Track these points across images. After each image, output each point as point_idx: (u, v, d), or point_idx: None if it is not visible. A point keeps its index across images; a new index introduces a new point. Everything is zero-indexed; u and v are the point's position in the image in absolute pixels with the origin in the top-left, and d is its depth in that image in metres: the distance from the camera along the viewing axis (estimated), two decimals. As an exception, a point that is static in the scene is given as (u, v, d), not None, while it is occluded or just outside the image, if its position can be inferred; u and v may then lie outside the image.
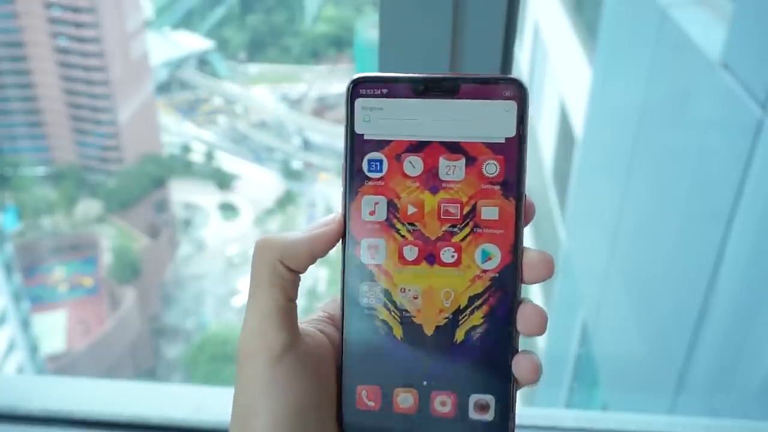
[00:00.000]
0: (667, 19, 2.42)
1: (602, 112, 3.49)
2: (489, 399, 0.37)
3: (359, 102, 0.37)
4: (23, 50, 14.73)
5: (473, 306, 0.37)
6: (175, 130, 17.10)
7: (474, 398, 0.37)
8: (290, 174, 16.83)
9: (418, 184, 0.37)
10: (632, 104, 2.80)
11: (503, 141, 0.36)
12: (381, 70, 0.73)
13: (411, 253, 0.37)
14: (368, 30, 14.34)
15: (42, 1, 14.51)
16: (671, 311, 2.26)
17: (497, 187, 0.36)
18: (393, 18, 0.69)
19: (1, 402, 0.97)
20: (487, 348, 0.37)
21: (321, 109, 17.47)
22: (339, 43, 17.74)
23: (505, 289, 0.36)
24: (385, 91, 0.37)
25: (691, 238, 2.09)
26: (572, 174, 4.26)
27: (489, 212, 0.36)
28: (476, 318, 0.37)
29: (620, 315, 2.84)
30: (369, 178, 0.37)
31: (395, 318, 0.37)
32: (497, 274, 0.36)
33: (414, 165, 0.37)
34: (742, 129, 1.73)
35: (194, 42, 17.61)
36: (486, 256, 0.37)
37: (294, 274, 0.35)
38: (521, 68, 7.14)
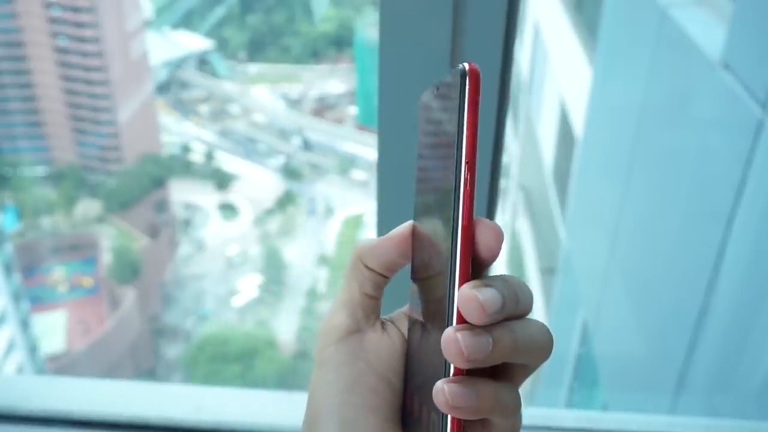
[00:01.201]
0: (667, 19, 2.42)
1: (602, 112, 3.49)
2: (437, 423, 0.32)
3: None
4: (23, 50, 14.73)
5: (438, 313, 0.33)
6: (175, 130, 17.10)
7: (433, 417, 0.33)
8: (290, 174, 16.83)
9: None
10: (632, 104, 2.80)
11: (453, 132, 0.32)
12: (381, 70, 0.73)
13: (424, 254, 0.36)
14: (368, 30, 14.35)
15: (42, 1, 14.51)
16: (671, 311, 2.25)
17: (449, 179, 0.32)
18: (393, 18, 0.69)
19: (1, 402, 0.97)
20: (437, 363, 0.32)
21: (321, 108, 17.47)
22: (339, 43, 17.74)
23: (441, 304, 0.32)
24: None
25: (691, 238, 2.09)
26: (572, 174, 4.26)
27: (442, 203, 0.33)
28: (437, 325, 0.33)
29: (620, 315, 2.84)
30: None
31: (419, 321, 0.37)
32: (440, 285, 0.32)
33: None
34: (742, 129, 1.73)
35: (194, 42, 17.61)
36: (441, 259, 0.33)
37: (372, 272, 0.38)
38: (521, 68, 7.14)
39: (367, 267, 0.38)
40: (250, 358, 13.17)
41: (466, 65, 0.32)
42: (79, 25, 14.57)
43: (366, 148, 16.48)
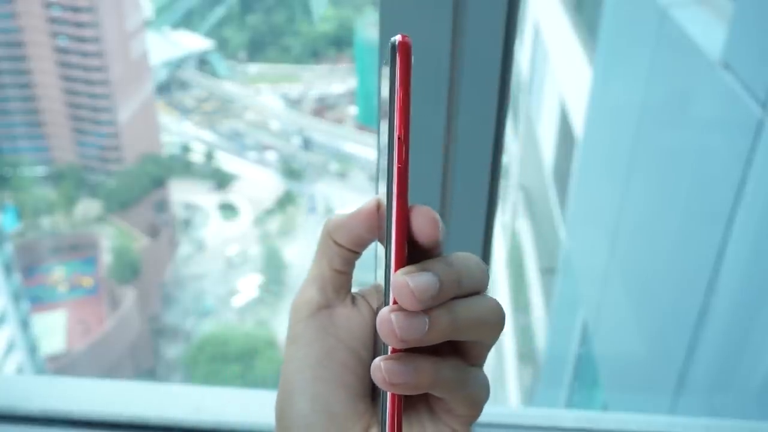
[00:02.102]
0: (667, 19, 2.42)
1: (602, 112, 3.49)
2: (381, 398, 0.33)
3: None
4: (23, 50, 14.73)
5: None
6: (175, 130, 17.10)
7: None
8: (290, 174, 16.84)
9: None
10: (632, 104, 2.80)
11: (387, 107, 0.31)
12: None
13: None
14: (368, 30, 14.35)
15: (42, 1, 14.51)
16: (671, 311, 2.26)
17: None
18: (393, 18, 0.69)
19: (1, 402, 0.97)
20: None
21: (321, 108, 17.47)
22: (339, 43, 17.75)
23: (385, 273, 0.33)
24: None
25: (691, 238, 2.09)
26: (572, 174, 4.26)
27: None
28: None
29: (620, 315, 2.84)
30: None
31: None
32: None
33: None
34: (742, 129, 1.73)
35: (194, 42, 17.61)
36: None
37: (341, 248, 0.38)
38: (521, 68, 7.14)
39: (336, 243, 0.37)
40: (250, 358, 13.17)
41: (398, 38, 0.31)
42: (79, 25, 14.57)
43: (366, 148, 16.48)
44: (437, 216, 0.32)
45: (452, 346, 0.34)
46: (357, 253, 0.38)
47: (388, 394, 0.32)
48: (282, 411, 0.38)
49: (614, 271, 2.96)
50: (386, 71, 0.35)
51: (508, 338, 6.86)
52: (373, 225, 0.37)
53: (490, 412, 0.94)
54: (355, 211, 0.37)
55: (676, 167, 2.31)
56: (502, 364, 6.93)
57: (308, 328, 0.38)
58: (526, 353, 6.23)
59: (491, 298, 0.34)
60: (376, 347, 0.38)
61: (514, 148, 7.60)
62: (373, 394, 0.38)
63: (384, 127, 0.35)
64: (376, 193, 0.37)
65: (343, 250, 0.38)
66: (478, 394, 0.35)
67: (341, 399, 0.37)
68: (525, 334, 6.26)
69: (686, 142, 2.23)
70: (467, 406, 0.35)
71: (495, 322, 0.34)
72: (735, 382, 1.84)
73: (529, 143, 6.77)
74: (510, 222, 7.70)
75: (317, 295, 0.38)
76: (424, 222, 0.32)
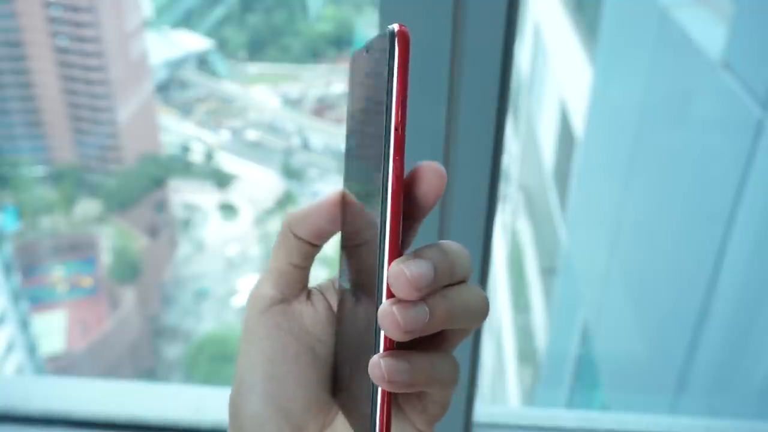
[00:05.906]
0: (667, 19, 2.42)
1: (602, 112, 3.49)
2: (369, 395, 0.31)
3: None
4: (23, 50, 14.73)
5: (368, 282, 0.33)
6: (175, 130, 17.10)
7: (364, 388, 0.32)
8: (290, 174, 16.84)
9: None
10: (632, 104, 2.81)
11: (382, 97, 0.31)
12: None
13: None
14: (368, 29, 14.34)
15: (41, 1, 14.51)
16: (671, 311, 2.26)
17: (378, 146, 0.31)
18: (393, 18, 0.69)
19: (1, 402, 0.97)
20: (367, 334, 0.32)
21: (321, 108, 17.47)
22: (339, 43, 17.75)
23: (370, 273, 0.32)
24: None
25: (691, 238, 2.09)
26: (572, 174, 4.26)
27: (371, 170, 0.32)
28: (366, 294, 0.33)
29: (620, 315, 2.84)
30: None
31: (348, 289, 0.36)
32: (370, 254, 0.32)
33: None
34: (742, 129, 1.73)
35: (194, 41, 17.61)
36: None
37: (300, 241, 0.37)
38: (521, 68, 7.14)
39: (296, 236, 0.37)
40: (250, 358, 13.16)
41: (396, 26, 0.30)
42: (79, 25, 14.57)
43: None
44: (443, 170, 0.32)
45: (431, 335, 0.34)
46: (317, 247, 0.37)
47: (379, 392, 0.31)
48: (235, 408, 0.37)
49: (614, 271, 2.96)
50: (359, 64, 0.34)
51: (508, 338, 6.86)
52: (335, 215, 0.36)
53: (490, 412, 0.93)
54: (316, 202, 0.36)
55: (676, 167, 2.31)
56: (502, 364, 6.93)
57: (260, 324, 0.37)
58: (526, 353, 6.23)
59: (476, 286, 0.34)
60: (337, 342, 0.37)
61: (514, 148, 7.60)
62: (333, 390, 0.37)
63: (357, 128, 0.34)
64: (342, 185, 0.37)
65: (302, 243, 0.37)
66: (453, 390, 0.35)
67: (295, 396, 0.36)
68: (525, 334, 6.26)
69: (686, 143, 2.23)
70: (444, 405, 0.34)
71: (482, 310, 0.33)
72: (735, 382, 1.84)
73: (529, 143, 6.77)
74: (510, 222, 7.69)
75: (272, 290, 0.37)
76: (432, 177, 0.32)
